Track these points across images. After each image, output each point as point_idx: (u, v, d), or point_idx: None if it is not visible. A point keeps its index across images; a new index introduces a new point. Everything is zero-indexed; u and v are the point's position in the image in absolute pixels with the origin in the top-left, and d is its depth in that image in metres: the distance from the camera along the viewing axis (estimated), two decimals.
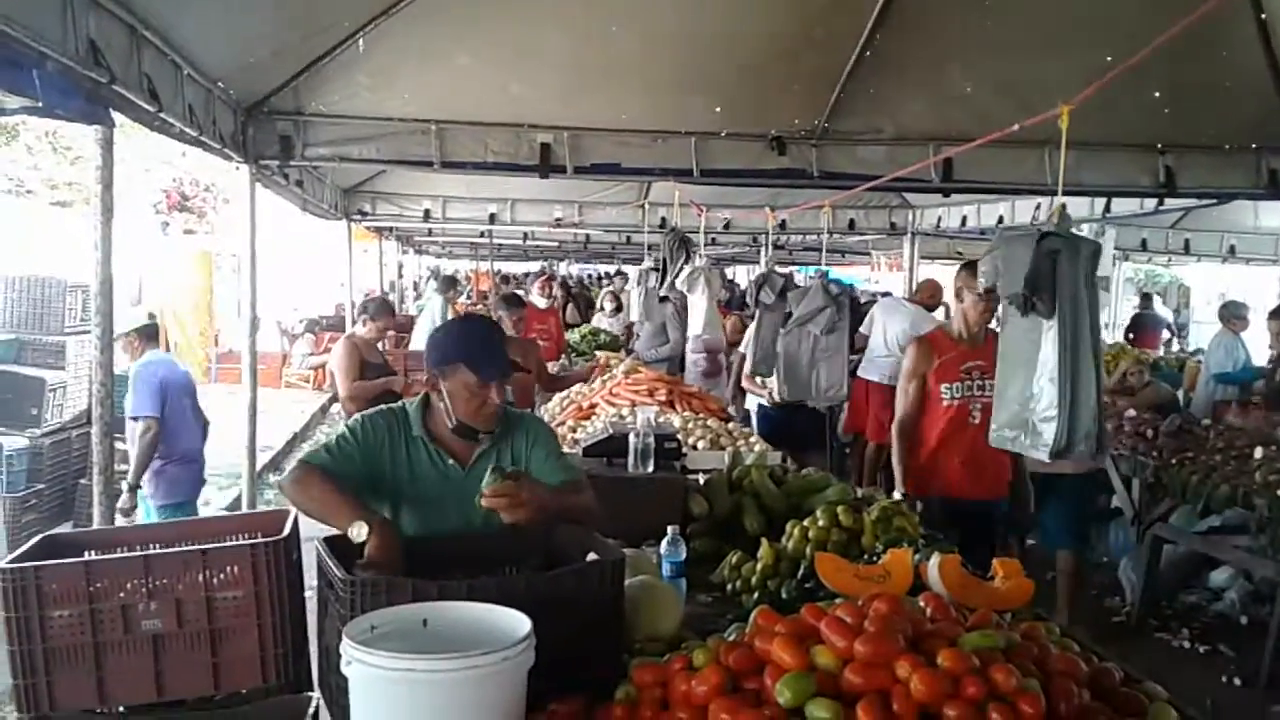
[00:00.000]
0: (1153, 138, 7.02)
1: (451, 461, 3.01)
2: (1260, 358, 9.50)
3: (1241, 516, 6.01)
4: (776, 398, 7.03)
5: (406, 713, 1.89)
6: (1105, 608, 6.79)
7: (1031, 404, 3.55)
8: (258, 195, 6.62)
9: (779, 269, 8.15)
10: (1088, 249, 3.41)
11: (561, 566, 2.55)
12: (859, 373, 8.58)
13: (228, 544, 2.56)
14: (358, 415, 3.09)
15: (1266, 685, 5.42)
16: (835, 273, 21.62)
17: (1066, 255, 3.43)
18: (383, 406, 3.14)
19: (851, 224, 11.86)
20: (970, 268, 4.70)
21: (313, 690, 2.55)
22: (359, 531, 2.58)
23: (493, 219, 11.41)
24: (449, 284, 12.54)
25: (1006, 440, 3.74)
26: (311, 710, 2.41)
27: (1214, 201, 8.94)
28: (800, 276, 10.80)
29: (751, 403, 8.21)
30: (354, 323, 8.21)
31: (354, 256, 12.22)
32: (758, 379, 7.58)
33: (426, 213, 11.17)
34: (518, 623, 2.06)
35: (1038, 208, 9.33)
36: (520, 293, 10.06)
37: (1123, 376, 8.13)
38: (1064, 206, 3.59)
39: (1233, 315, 9.58)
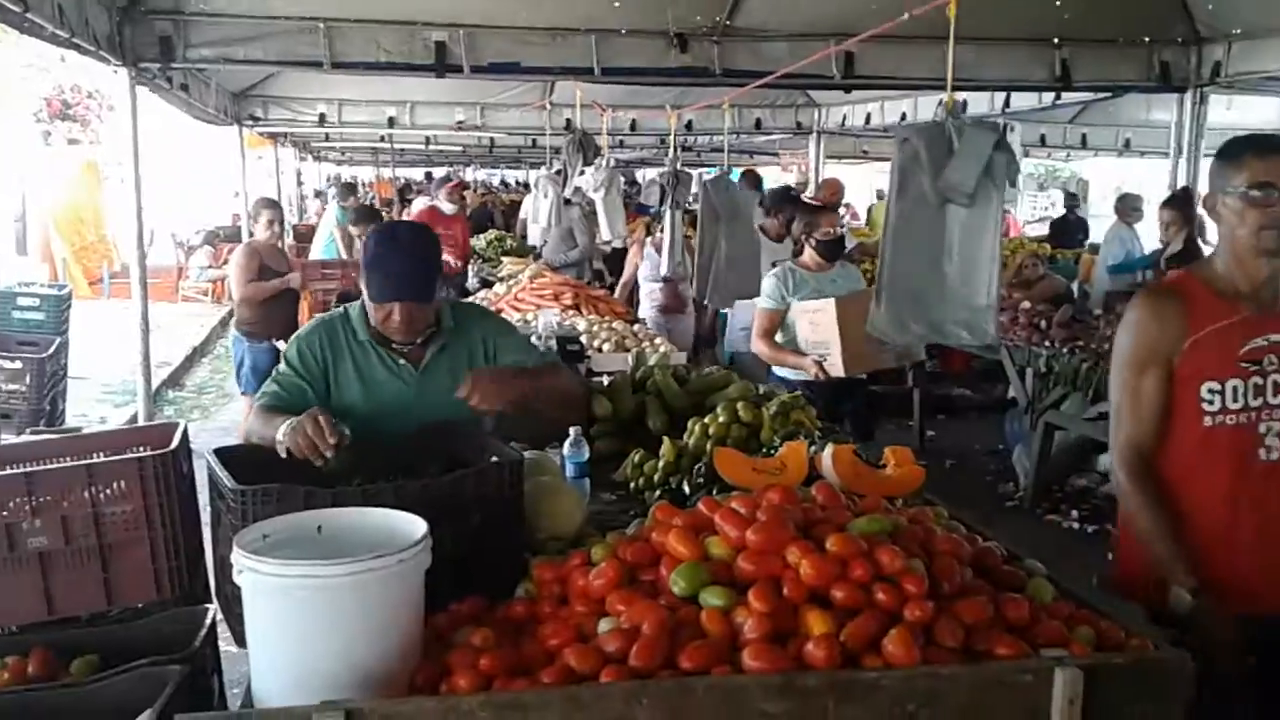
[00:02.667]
0: (1048, 32, 7.09)
1: (404, 362, 2.91)
2: (1153, 248, 9.79)
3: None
4: (824, 373, 4.97)
5: (301, 620, 1.88)
6: (1000, 493, 7.06)
7: (972, 297, 3.49)
8: (142, 101, 6.33)
9: (686, 169, 8.11)
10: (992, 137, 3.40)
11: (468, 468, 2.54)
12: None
13: (113, 458, 2.50)
14: (293, 339, 2.96)
15: None
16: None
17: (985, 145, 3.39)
18: (321, 316, 3.03)
19: (758, 123, 11.84)
20: (1234, 154, 2.47)
21: (210, 602, 2.52)
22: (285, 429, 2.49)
23: (392, 123, 11.13)
24: (347, 191, 12.21)
25: (960, 336, 3.66)
26: (208, 622, 2.40)
27: (1109, 95, 9.11)
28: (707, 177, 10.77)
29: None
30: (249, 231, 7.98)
31: (248, 164, 11.83)
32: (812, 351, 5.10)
33: (322, 117, 10.83)
34: (414, 526, 2.05)
35: (940, 104, 9.41)
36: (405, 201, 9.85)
37: (1018, 270, 8.33)
38: (955, 98, 3.60)
39: (1127, 207, 9.83)
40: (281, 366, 2.89)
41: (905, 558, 2.00)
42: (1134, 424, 2.53)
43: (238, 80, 10.00)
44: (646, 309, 7.71)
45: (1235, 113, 10.98)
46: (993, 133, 3.23)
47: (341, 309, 2.99)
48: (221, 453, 2.49)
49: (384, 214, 12.18)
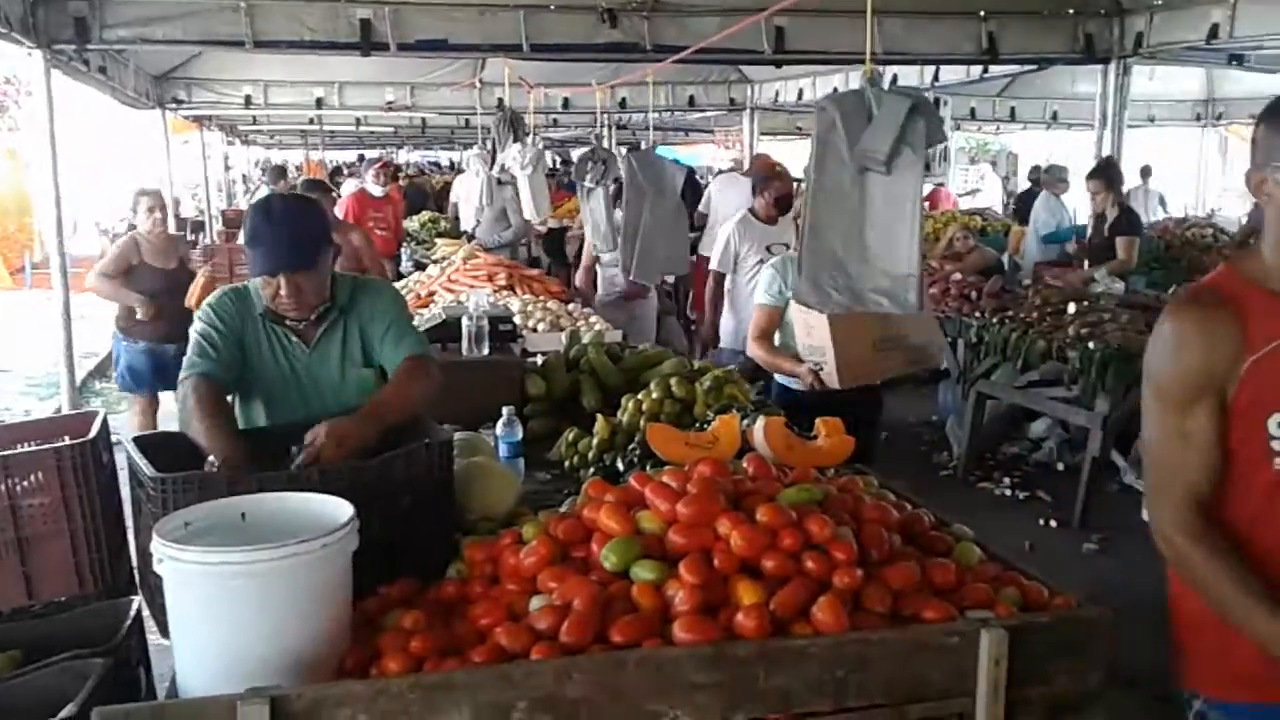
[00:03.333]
0: (975, 5, 7.18)
1: (295, 339, 2.82)
2: (1084, 218, 9.97)
3: (1056, 369, 6.37)
4: (820, 382, 4.25)
5: (224, 608, 1.85)
6: (934, 462, 7.16)
7: (894, 264, 3.46)
8: (60, 84, 6.15)
9: (617, 147, 8.06)
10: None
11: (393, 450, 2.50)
12: (700, 250, 8.66)
13: (28, 449, 2.43)
14: (204, 305, 2.84)
15: (1080, 525, 5.84)
16: (680, 152, 21.65)
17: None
18: (228, 286, 2.94)
19: (691, 100, 11.82)
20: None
21: (135, 594, 2.47)
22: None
23: (320, 104, 10.93)
24: (278, 174, 12.00)
25: (880, 304, 3.54)
26: (132, 614, 2.34)
27: (1035, 67, 9.23)
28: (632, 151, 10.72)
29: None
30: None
31: (174, 149, 11.56)
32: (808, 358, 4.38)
33: (247, 99, 10.60)
34: (339, 509, 2.03)
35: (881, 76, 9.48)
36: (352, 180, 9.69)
37: (950, 242, 8.44)
38: (883, 71, 3.60)
39: (1053, 179, 10.00)
40: (201, 332, 2.75)
41: (834, 526, 2.02)
42: (1187, 477, 1.90)
43: (159, 62, 9.76)
44: (605, 295, 7.19)
45: (1158, 83, 11.24)
46: (907, 99, 3.23)
47: (244, 284, 2.89)
48: (140, 440, 2.43)
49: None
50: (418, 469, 2.37)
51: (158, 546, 1.88)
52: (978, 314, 6.78)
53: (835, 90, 10.16)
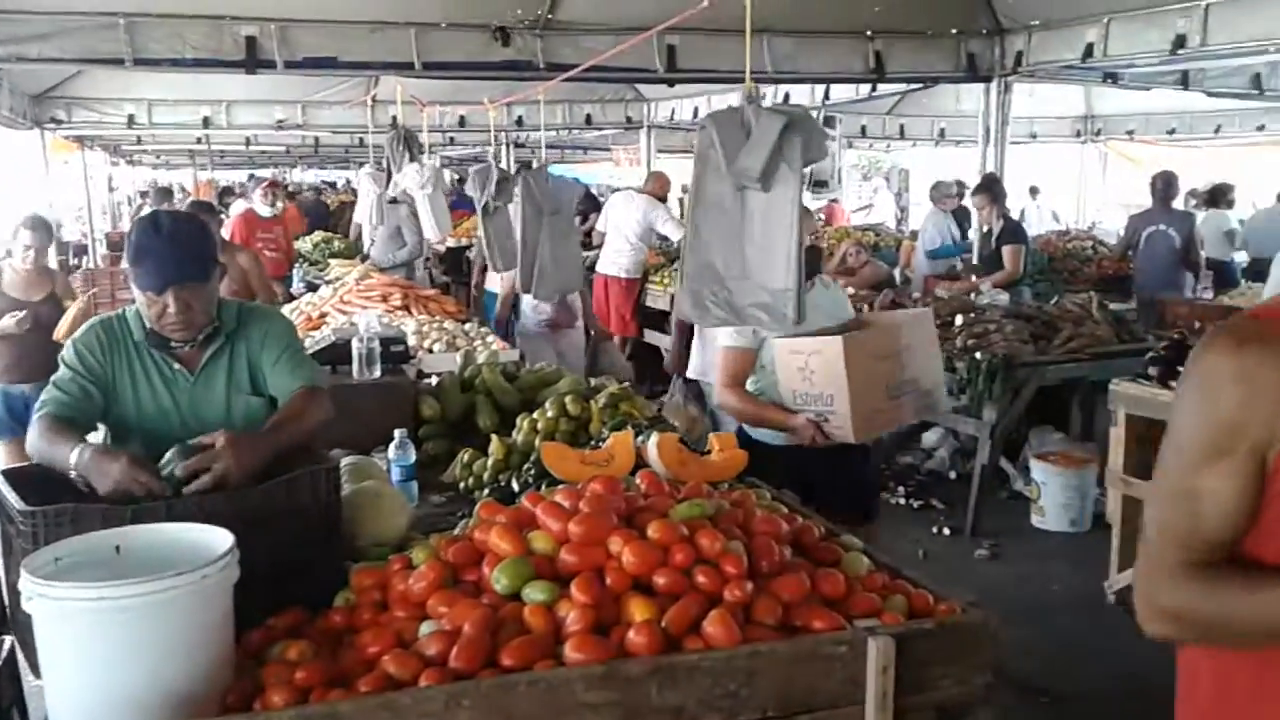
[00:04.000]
0: (863, 25, 7.35)
1: (179, 367, 2.72)
2: (971, 233, 10.25)
3: (946, 380, 6.52)
4: (822, 435, 3.61)
5: (97, 646, 1.78)
6: None
7: (771, 280, 3.48)
8: None
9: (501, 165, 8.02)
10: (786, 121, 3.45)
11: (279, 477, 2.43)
12: (597, 268, 8.69)
13: None
14: (69, 342, 2.74)
15: (971, 533, 5.98)
16: (580, 170, 21.67)
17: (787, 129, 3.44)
18: (97, 318, 2.83)
19: (588, 119, 11.85)
20: None
21: (7, 632, 2.36)
22: (78, 457, 2.33)
23: (207, 123, 10.64)
24: (163, 195, 11.67)
25: (759, 319, 3.51)
26: (4, 653, 2.25)
27: (921, 86, 9.50)
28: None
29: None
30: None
31: (55, 171, 11.15)
32: (803, 406, 3.70)
33: (130, 118, 10.28)
34: (219, 539, 1.96)
35: (762, 96, 9.63)
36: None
37: (843, 258, 8.60)
38: (756, 86, 3.63)
39: (941, 194, 10.27)
40: (60, 371, 2.67)
41: (724, 540, 2.04)
42: (1189, 552, 1.45)
43: (37, 81, 9.41)
44: (530, 324, 6.73)
45: (1039, 101, 11.65)
46: (782, 116, 3.28)
47: (120, 311, 2.80)
48: (10, 473, 2.34)
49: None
50: (303, 495, 2.32)
51: (25, 584, 1.80)
52: None
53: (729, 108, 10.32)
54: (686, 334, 5.85)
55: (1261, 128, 12.54)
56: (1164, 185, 8.69)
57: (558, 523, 2.07)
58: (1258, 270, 9.09)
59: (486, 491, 3.09)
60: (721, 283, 3.42)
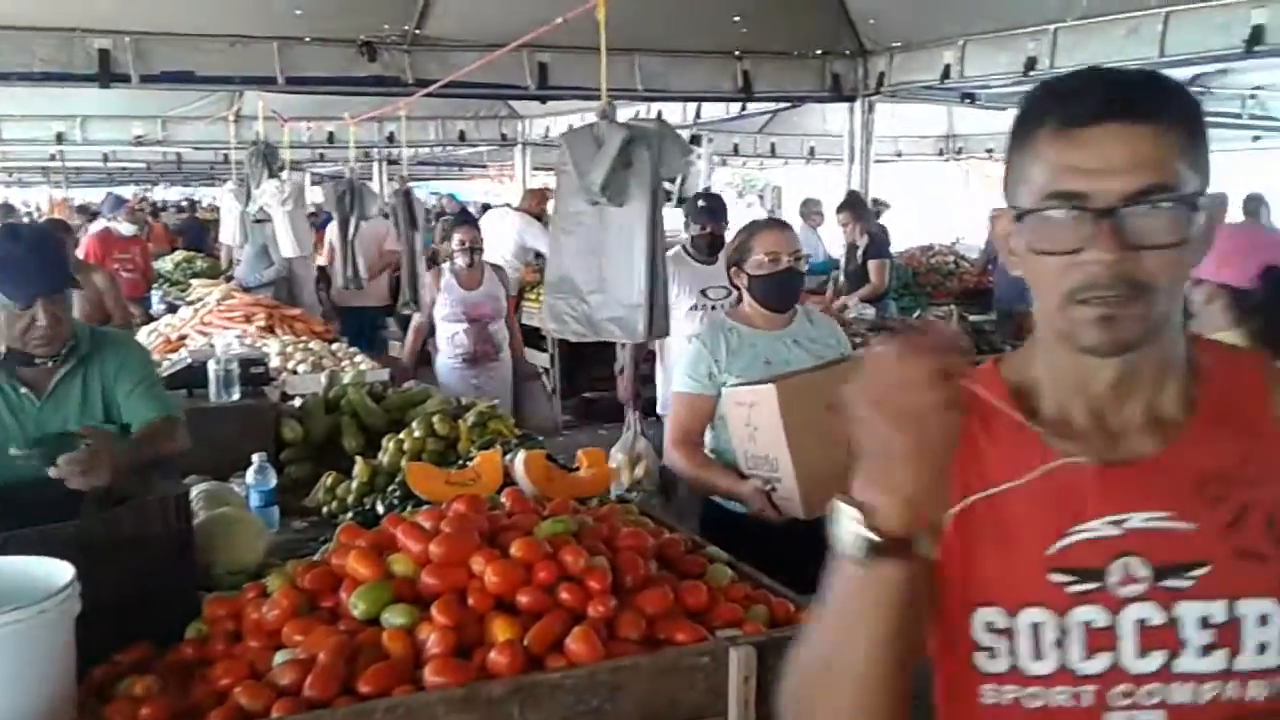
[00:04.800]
0: (731, 45, 7.48)
1: (25, 390, 2.62)
2: (836, 250, 10.51)
3: None
4: (774, 509, 2.81)
5: None
6: None
7: (625, 294, 3.52)
8: None
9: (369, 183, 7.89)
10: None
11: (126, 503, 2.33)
12: None
13: None
14: None
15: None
16: (458, 187, 21.50)
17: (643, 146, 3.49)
18: None
19: (462, 135, 11.78)
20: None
21: None
22: None
23: (61, 139, 10.22)
24: (6, 213, 11.10)
25: (612, 332, 3.58)
26: None
27: (788, 105, 9.71)
28: (419, 192, 10.57)
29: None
30: None
31: None
32: (753, 471, 2.92)
33: None
34: (58, 571, 1.87)
35: (635, 115, 9.73)
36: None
37: None
38: (611, 102, 3.65)
39: (810, 211, 10.51)
40: None
41: (588, 556, 2.03)
42: None
43: None
44: (447, 358, 5.60)
45: (903, 120, 12.04)
46: (625, 130, 3.32)
47: None
48: None
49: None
50: (151, 524, 2.22)
51: None
52: None
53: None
54: (638, 356, 5.00)
55: None
56: None
57: (418, 544, 2.03)
58: None
59: (350, 515, 3.02)
60: (580, 296, 3.46)
